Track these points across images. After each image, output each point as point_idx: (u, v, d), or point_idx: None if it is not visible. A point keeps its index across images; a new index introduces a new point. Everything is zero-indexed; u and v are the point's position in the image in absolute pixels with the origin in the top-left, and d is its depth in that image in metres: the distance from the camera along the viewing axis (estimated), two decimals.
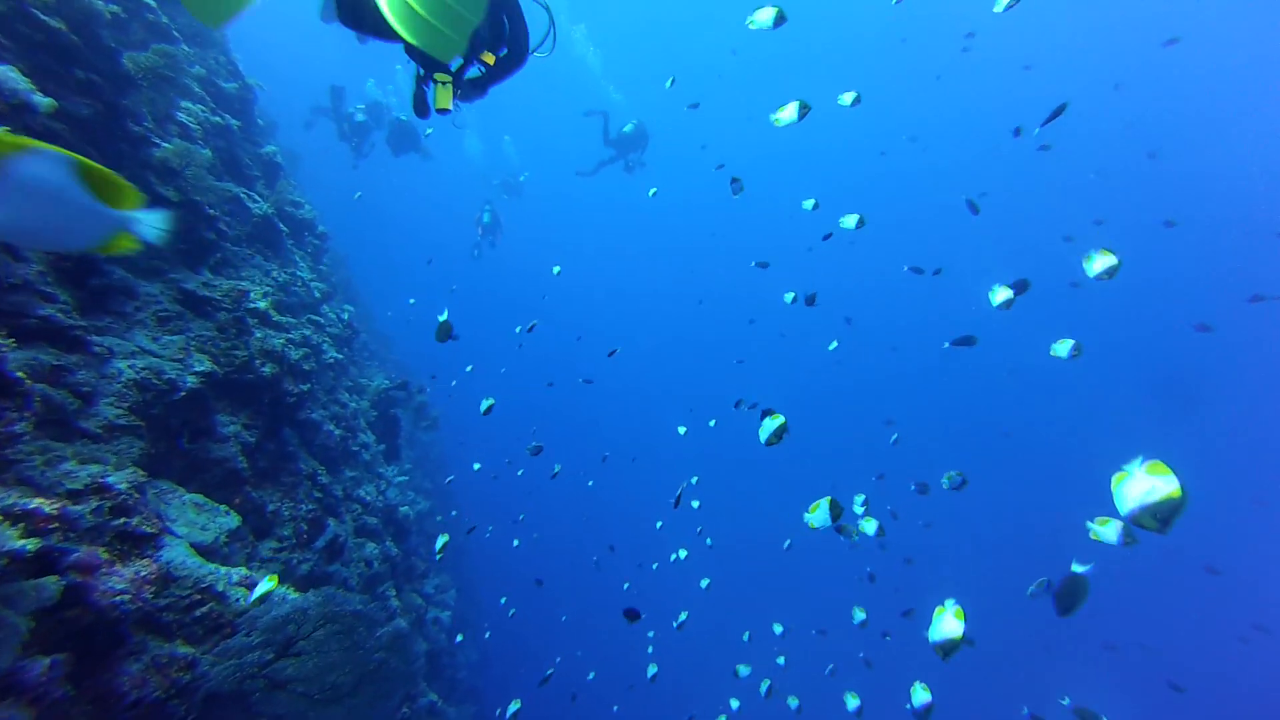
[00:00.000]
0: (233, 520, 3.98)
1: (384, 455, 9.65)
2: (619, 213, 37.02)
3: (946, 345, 6.32)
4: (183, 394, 3.96)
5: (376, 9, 2.69)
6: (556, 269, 11.85)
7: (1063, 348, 4.26)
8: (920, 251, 33.73)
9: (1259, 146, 28.80)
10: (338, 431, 7.60)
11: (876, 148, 30.98)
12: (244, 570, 3.63)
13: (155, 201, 4.94)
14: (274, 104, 11.91)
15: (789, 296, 6.32)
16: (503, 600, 15.70)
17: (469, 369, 14.06)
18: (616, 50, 28.94)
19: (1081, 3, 27.94)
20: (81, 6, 3.88)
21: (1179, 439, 29.69)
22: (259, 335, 5.29)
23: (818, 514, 3.10)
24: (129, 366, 3.57)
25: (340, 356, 8.44)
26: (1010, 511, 27.44)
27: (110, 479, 2.56)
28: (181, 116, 5.93)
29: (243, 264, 6.39)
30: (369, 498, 8.26)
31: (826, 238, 6.15)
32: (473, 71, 3.21)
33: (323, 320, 8.18)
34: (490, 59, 3.13)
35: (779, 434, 3.00)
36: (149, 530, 2.59)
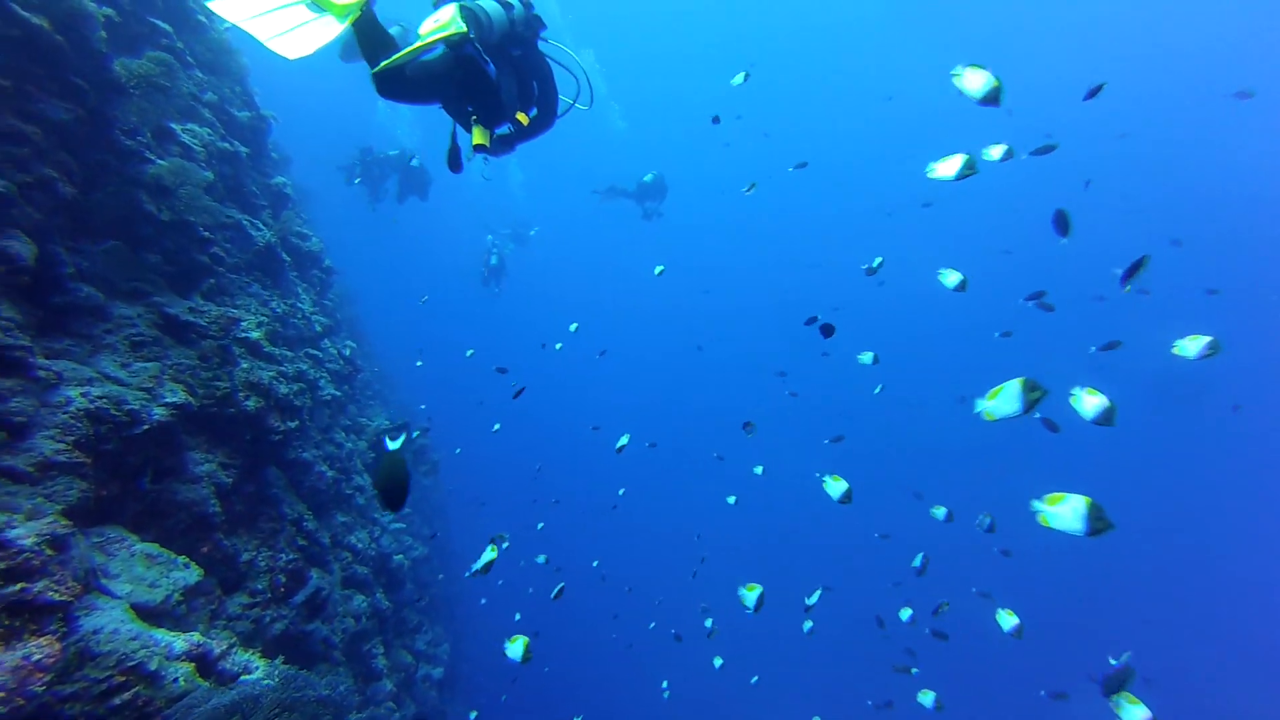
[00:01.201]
0: (192, 574, 3.45)
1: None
2: (631, 249, 37.17)
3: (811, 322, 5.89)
4: (146, 427, 3.50)
5: (409, 80, 3.19)
6: (574, 326, 11.58)
7: (1194, 345, 3.75)
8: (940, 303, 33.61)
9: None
10: (330, 473, 7.09)
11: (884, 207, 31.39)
12: (196, 636, 3.09)
13: (143, 220, 4.60)
14: (291, 140, 11.85)
15: (867, 356, 6.00)
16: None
17: (496, 428, 13.38)
18: (623, 75, 29.44)
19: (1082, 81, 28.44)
20: (69, 6, 3.60)
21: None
22: (245, 366, 4.86)
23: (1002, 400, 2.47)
24: (82, 395, 3.13)
25: (338, 394, 8.00)
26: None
27: (13, 533, 2.08)
28: (185, 137, 5.67)
29: (239, 292, 6.02)
30: (360, 545, 7.68)
31: (873, 272, 5.72)
32: (504, 129, 3.50)
33: (322, 355, 7.78)
34: (524, 119, 3.43)
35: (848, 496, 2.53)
36: (57, 598, 2.09)
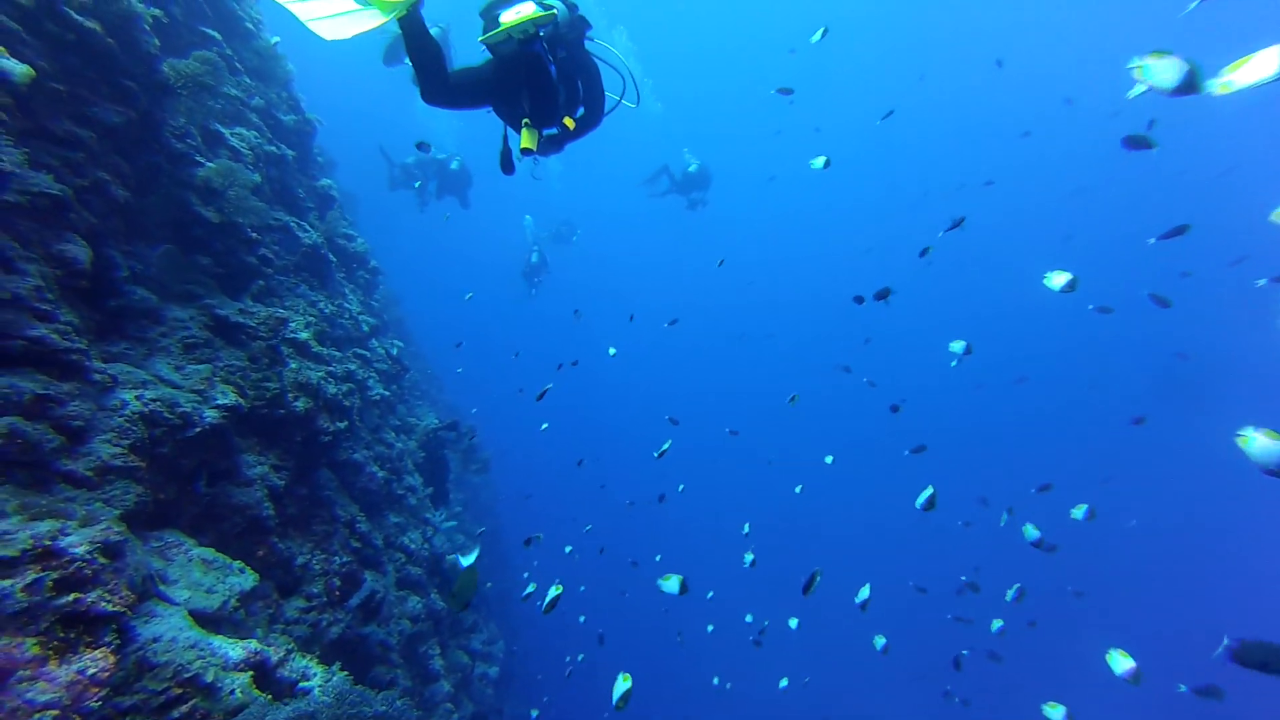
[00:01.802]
0: (248, 579, 3.40)
1: (431, 499, 9.11)
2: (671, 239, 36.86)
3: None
4: (199, 430, 3.46)
5: (454, 87, 3.31)
6: (632, 317, 11.45)
7: None
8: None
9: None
10: (381, 473, 7.09)
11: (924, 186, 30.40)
12: (254, 644, 3.02)
13: (193, 222, 4.61)
14: (336, 144, 12.01)
15: (958, 345, 5.72)
16: (580, 658, 14.54)
17: (545, 427, 13.23)
18: (658, 58, 29.04)
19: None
20: (119, 9, 3.58)
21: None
22: (294, 366, 4.83)
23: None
24: (136, 398, 3.09)
25: (387, 393, 8.01)
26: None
27: (65, 541, 2.00)
28: (233, 141, 5.70)
29: (287, 293, 6.03)
30: (413, 546, 7.67)
31: (956, 225, 5.46)
32: (552, 130, 3.57)
33: (370, 355, 7.80)
34: (570, 123, 3.51)
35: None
36: (110, 608, 2.01)
